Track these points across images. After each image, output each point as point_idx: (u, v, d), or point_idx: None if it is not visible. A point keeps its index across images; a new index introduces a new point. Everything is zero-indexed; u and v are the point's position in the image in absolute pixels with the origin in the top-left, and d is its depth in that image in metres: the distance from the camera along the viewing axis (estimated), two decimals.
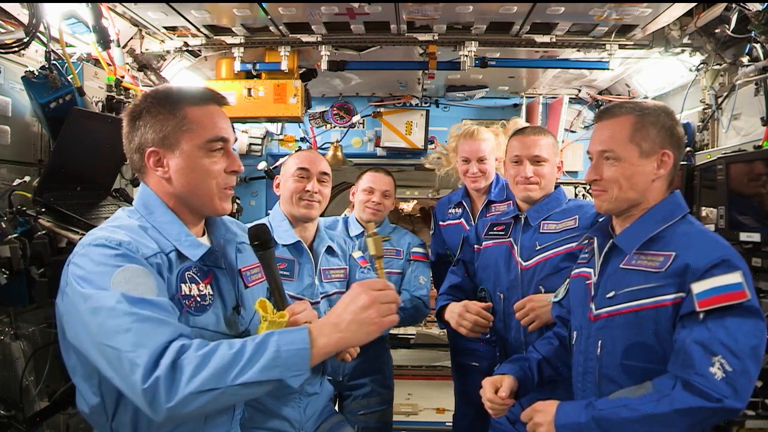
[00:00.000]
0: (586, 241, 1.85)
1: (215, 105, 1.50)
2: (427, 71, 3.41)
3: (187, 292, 1.41)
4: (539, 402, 1.61)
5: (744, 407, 1.34)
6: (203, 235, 1.57)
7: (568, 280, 1.94)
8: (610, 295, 1.59)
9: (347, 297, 1.35)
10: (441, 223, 3.07)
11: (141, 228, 1.41)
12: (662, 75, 3.33)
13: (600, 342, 1.61)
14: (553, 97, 4.04)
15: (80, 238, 2.00)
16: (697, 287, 1.40)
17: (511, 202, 2.56)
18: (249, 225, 1.72)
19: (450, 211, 3.04)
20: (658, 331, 1.48)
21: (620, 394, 1.47)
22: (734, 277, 1.39)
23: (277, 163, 3.97)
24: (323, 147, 4.25)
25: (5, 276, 1.82)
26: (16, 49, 2.09)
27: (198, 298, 1.43)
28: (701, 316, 1.38)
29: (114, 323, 1.19)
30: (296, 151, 2.51)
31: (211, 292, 1.48)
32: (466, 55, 2.91)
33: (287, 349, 1.23)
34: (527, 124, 3.00)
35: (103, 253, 1.28)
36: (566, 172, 3.99)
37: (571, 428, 1.48)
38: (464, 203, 2.95)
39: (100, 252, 1.29)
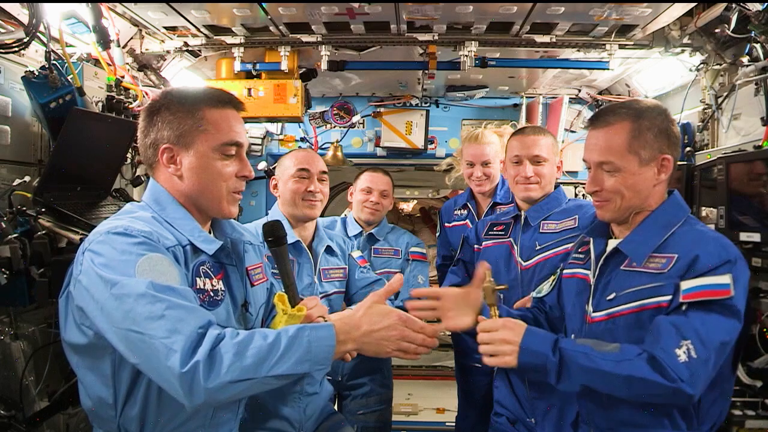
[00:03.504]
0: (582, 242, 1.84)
1: (233, 109, 1.52)
2: (427, 71, 3.41)
3: (201, 287, 1.43)
4: (510, 319, 1.58)
5: (697, 397, 1.37)
6: (210, 234, 1.59)
7: (553, 276, 1.94)
8: (611, 297, 1.58)
9: (385, 320, 1.41)
10: (447, 224, 3.08)
11: (156, 220, 1.42)
12: (662, 75, 3.33)
13: None
14: (553, 97, 4.04)
15: (80, 238, 2.02)
16: (686, 284, 1.43)
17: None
18: (249, 224, 1.73)
19: (456, 212, 3.04)
20: None
21: (587, 342, 1.49)
22: (723, 278, 1.41)
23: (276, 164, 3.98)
24: (323, 147, 4.25)
25: (5, 276, 1.82)
26: (16, 49, 2.09)
27: (211, 293, 1.45)
28: (683, 307, 1.42)
29: (145, 310, 1.20)
30: (290, 152, 2.50)
31: (223, 288, 1.50)
32: (466, 55, 2.90)
33: (318, 344, 1.29)
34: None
35: (125, 241, 1.29)
36: (566, 172, 3.98)
37: (535, 356, 1.47)
38: (470, 205, 2.95)
39: (121, 240, 1.29)
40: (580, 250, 1.83)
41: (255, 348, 1.23)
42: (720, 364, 1.41)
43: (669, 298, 1.46)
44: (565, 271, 1.86)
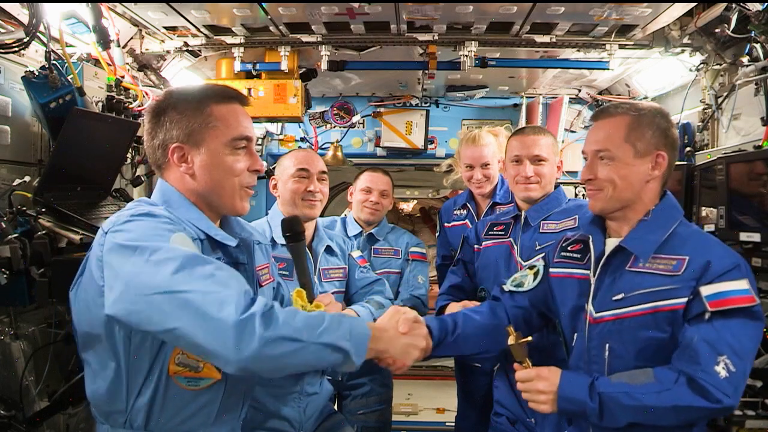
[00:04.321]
0: (579, 240, 1.82)
1: (239, 104, 1.53)
2: (427, 71, 3.41)
3: None
4: (544, 368, 1.59)
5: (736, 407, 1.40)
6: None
7: (530, 270, 1.90)
8: (618, 297, 1.58)
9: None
10: (446, 224, 3.08)
11: (171, 215, 1.43)
12: (662, 75, 3.33)
13: (608, 345, 1.60)
14: (553, 97, 4.04)
15: (80, 238, 2.03)
16: (707, 290, 1.44)
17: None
18: (253, 220, 1.73)
19: (455, 212, 3.04)
20: (674, 332, 1.50)
21: (620, 377, 1.49)
22: (743, 284, 1.44)
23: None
24: (323, 147, 4.25)
25: (5, 276, 1.82)
26: (16, 49, 2.09)
27: None
28: (707, 316, 1.43)
29: (195, 270, 1.21)
30: (289, 152, 2.50)
31: None
32: (466, 55, 2.91)
33: (357, 330, 1.35)
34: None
35: (152, 220, 1.32)
36: (566, 172, 3.97)
37: (574, 403, 1.49)
38: (469, 205, 2.95)
39: (149, 219, 1.32)
40: (571, 248, 1.81)
41: (302, 317, 1.28)
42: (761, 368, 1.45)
43: (685, 300, 1.47)
44: (556, 270, 1.83)
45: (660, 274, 1.52)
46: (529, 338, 1.64)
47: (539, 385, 1.54)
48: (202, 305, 1.17)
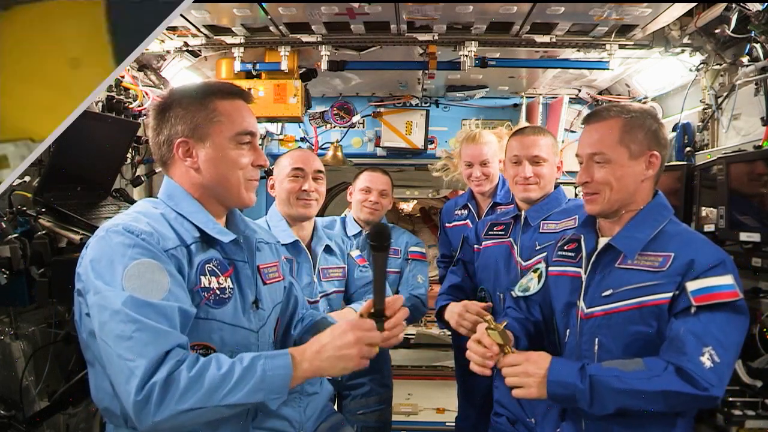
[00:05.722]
0: (573, 239, 1.85)
1: (242, 100, 1.55)
2: (427, 71, 3.41)
3: (207, 285, 1.43)
4: (531, 352, 1.60)
5: (721, 398, 1.44)
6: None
7: (534, 274, 1.93)
8: (607, 293, 1.62)
9: (335, 331, 1.41)
10: (447, 224, 3.08)
11: (164, 217, 1.43)
12: (662, 75, 3.33)
13: (597, 340, 1.63)
14: (553, 97, 4.03)
15: (80, 238, 2.03)
16: (692, 285, 1.48)
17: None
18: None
19: (456, 213, 3.04)
20: (660, 326, 1.53)
21: (611, 364, 1.51)
22: (727, 279, 1.48)
23: None
24: (323, 147, 4.24)
25: (5, 276, 1.82)
26: None
27: (218, 291, 1.45)
28: (693, 310, 1.47)
29: (117, 328, 1.23)
30: (287, 152, 2.51)
31: (231, 286, 1.50)
32: (466, 55, 2.91)
33: (272, 374, 1.30)
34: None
35: (121, 241, 1.31)
36: (566, 172, 3.96)
37: (564, 386, 1.49)
38: (470, 205, 2.95)
39: (117, 240, 1.31)
40: (566, 247, 1.85)
41: (208, 378, 1.24)
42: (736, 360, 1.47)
43: (670, 295, 1.51)
44: (553, 268, 1.87)
45: (646, 271, 1.57)
46: (504, 322, 1.66)
47: (527, 367, 1.55)
48: (118, 368, 1.23)
